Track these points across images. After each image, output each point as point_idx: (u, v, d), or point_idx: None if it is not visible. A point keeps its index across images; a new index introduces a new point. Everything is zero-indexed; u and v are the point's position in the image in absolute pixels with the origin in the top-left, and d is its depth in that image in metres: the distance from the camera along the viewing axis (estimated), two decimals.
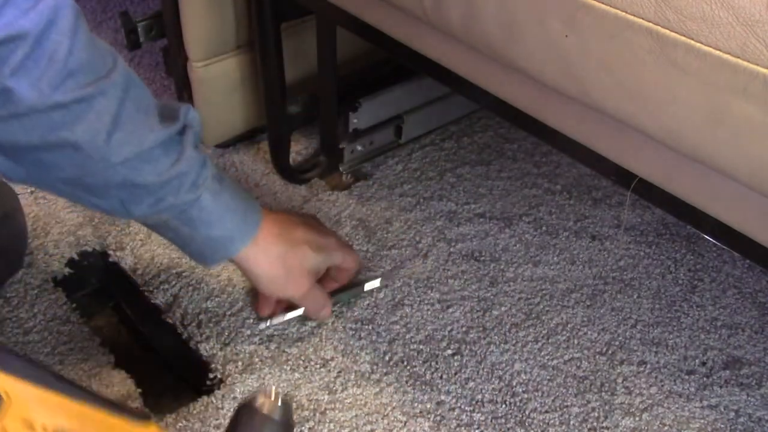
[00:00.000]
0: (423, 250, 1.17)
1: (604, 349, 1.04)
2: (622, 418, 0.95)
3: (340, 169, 1.30)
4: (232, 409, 0.93)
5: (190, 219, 0.76)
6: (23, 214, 1.09)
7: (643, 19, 0.62)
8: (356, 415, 0.94)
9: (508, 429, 0.94)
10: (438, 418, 0.94)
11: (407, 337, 1.04)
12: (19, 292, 1.06)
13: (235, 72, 1.26)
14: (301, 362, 0.99)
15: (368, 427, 0.93)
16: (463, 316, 1.07)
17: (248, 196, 0.84)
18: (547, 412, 0.96)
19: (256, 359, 0.99)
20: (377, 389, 0.97)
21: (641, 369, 1.01)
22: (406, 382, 0.98)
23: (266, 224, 0.84)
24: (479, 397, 0.97)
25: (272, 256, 0.85)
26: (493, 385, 0.98)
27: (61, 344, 1.00)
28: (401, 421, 0.94)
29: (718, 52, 0.58)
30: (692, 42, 0.59)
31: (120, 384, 0.96)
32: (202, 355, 1.00)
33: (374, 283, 1.08)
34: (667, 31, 0.61)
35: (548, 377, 1.00)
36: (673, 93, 0.63)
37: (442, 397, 0.97)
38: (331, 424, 0.93)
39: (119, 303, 1.15)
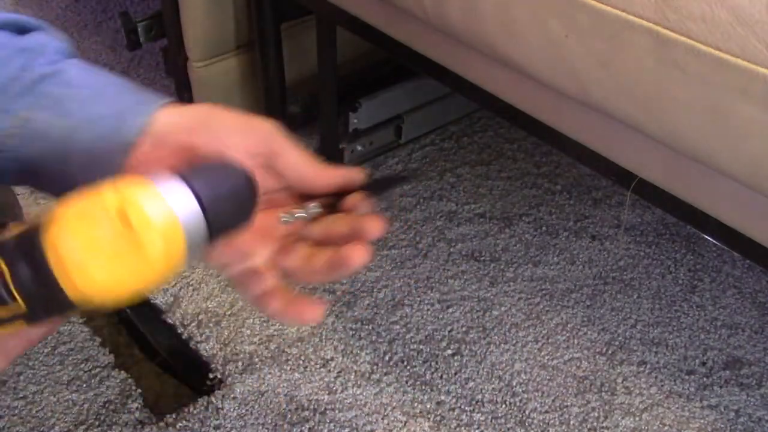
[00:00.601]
0: (423, 250, 1.17)
1: (604, 349, 1.04)
2: (622, 418, 0.95)
3: None
4: (232, 409, 0.93)
5: (57, 100, 0.49)
6: (23, 213, 1.09)
7: (643, 19, 0.62)
8: (356, 415, 0.94)
9: (508, 429, 0.94)
10: (438, 418, 0.94)
11: (407, 337, 1.04)
12: None
13: (235, 72, 1.26)
14: (301, 362, 0.99)
15: (368, 427, 0.93)
16: (463, 316, 1.07)
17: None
18: (547, 412, 0.96)
19: (256, 359, 0.99)
20: (377, 389, 0.97)
21: (641, 369, 1.01)
22: (406, 382, 0.98)
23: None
24: (479, 397, 0.97)
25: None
26: (493, 385, 0.98)
27: (62, 344, 1.00)
28: (401, 421, 0.94)
29: (718, 52, 0.58)
30: (692, 42, 0.59)
31: (120, 384, 0.96)
32: (202, 355, 1.00)
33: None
34: (667, 31, 0.61)
35: (548, 377, 1.00)
36: (673, 93, 0.63)
37: (442, 397, 0.97)
38: (331, 424, 0.93)
39: None
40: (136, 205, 0.36)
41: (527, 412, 0.95)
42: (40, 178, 0.48)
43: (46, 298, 0.37)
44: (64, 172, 0.47)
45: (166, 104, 0.49)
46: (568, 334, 1.05)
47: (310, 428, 0.92)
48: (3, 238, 0.37)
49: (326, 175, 0.50)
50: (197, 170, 0.41)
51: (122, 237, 0.36)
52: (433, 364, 1.00)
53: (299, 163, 0.49)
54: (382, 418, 0.94)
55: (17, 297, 0.37)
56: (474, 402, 0.96)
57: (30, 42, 0.50)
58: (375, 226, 0.51)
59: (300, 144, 0.48)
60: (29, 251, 0.36)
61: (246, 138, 0.47)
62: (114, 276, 0.36)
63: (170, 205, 0.37)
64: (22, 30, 0.51)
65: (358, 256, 0.49)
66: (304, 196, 0.51)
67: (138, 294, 0.37)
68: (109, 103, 0.49)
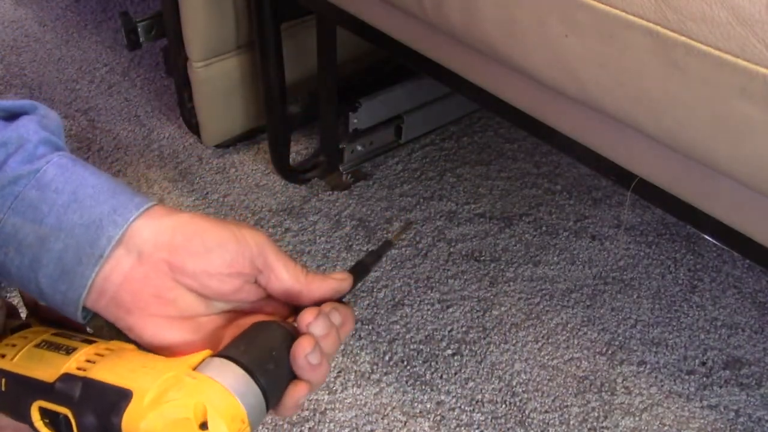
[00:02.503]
0: (423, 250, 1.17)
1: (604, 349, 1.04)
2: (622, 418, 0.95)
3: (340, 169, 1.30)
4: None
5: (29, 205, 0.45)
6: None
7: (643, 19, 0.62)
8: (356, 415, 0.94)
9: (508, 429, 0.94)
10: (438, 418, 0.94)
11: (407, 337, 1.04)
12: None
13: (235, 72, 1.26)
14: None
15: (368, 427, 0.93)
16: (463, 316, 1.07)
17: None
18: (547, 412, 0.96)
19: None
20: (377, 389, 0.97)
21: (641, 369, 1.01)
22: (406, 382, 0.98)
23: (162, 207, 0.49)
24: (479, 397, 0.97)
25: (193, 226, 0.47)
26: (493, 385, 0.98)
27: None
28: (401, 421, 0.94)
29: (718, 52, 0.58)
30: (692, 42, 0.59)
31: None
32: None
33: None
34: (667, 31, 0.61)
35: (548, 377, 1.00)
36: (673, 93, 0.63)
37: (442, 397, 0.97)
38: (331, 424, 0.93)
39: None
40: (216, 419, 0.38)
41: (527, 412, 0.95)
42: (5, 278, 0.46)
43: None
44: (30, 278, 0.45)
45: (147, 210, 0.45)
46: (568, 334, 1.05)
47: (310, 428, 0.92)
48: (66, 385, 0.39)
49: (314, 289, 0.49)
50: (251, 349, 0.42)
51: None
52: (433, 364, 1.01)
53: (286, 279, 0.48)
54: (382, 418, 0.94)
55: None
56: (474, 402, 0.96)
57: (10, 135, 0.46)
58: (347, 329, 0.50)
59: (286, 257, 0.48)
60: (100, 414, 0.39)
61: (231, 256, 0.46)
62: None
63: (243, 410, 0.39)
64: (9, 116, 0.48)
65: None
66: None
67: None
68: (84, 210, 0.45)
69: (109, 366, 0.40)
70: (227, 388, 0.39)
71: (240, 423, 0.39)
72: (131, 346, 0.44)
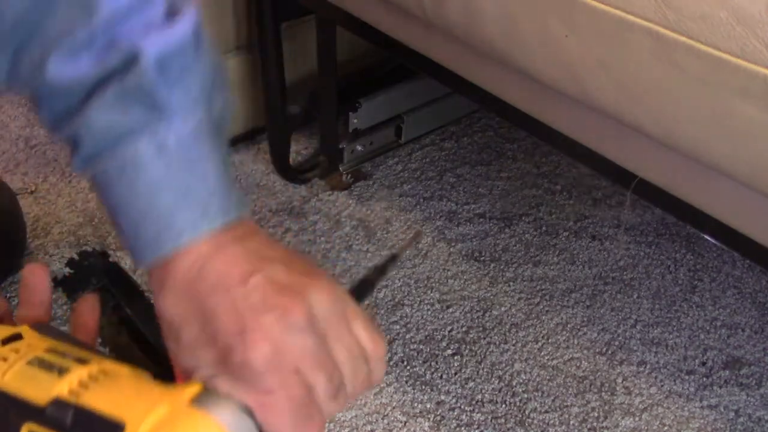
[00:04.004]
0: (423, 250, 1.17)
1: (604, 349, 1.04)
2: (622, 418, 0.95)
3: (340, 169, 1.30)
4: None
5: (126, 166, 0.42)
6: (21, 212, 1.09)
7: (643, 19, 0.62)
8: (356, 415, 0.94)
9: (508, 429, 0.94)
10: (438, 418, 0.94)
11: (407, 337, 1.04)
12: (19, 292, 1.06)
13: (235, 72, 1.26)
14: None
15: (368, 427, 0.93)
16: (463, 316, 1.07)
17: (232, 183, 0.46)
18: (547, 412, 0.96)
19: None
20: (377, 389, 0.97)
21: (641, 369, 1.01)
22: (406, 382, 0.98)
23: (247, 224, 0.45)
24: (479, 397, 0.97)
25: (234, 276, 0.42)
26: (493, 385, 0.98)
27: None
28: (401, 421, 0.94)
29: (718, 52, 0.58)
30: (692, 42, 0.59)
31: None
32: None
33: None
34: (667, 31, 0.61)
35: (548, 377, 1.00)
36: (673, 93, 0.63)
37: (442, 397, 0.97)
38: (331, 424, 0.93)
39: (119, 303, 1.14)
40: None
41: (527, 412, 0.95)
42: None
43: None
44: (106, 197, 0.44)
45: (214, 230, 0.42)
46: (568, 334, 1.05)
47: None
48: (57, 410, 0.39)
49: None
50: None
51: None
52: (433, 364, 1.00)
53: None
54: (382, 418, 0.94)
55: None
56: (474, 402, 0.96)
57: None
58: None
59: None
60: None
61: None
62: None
63: None
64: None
65: None
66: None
67: None
68: (178, 194, 0.42)
69: (103, 392, 0.39)
70: (223, 425, 0.38)
71: None
72: (126, 370, 0.42)
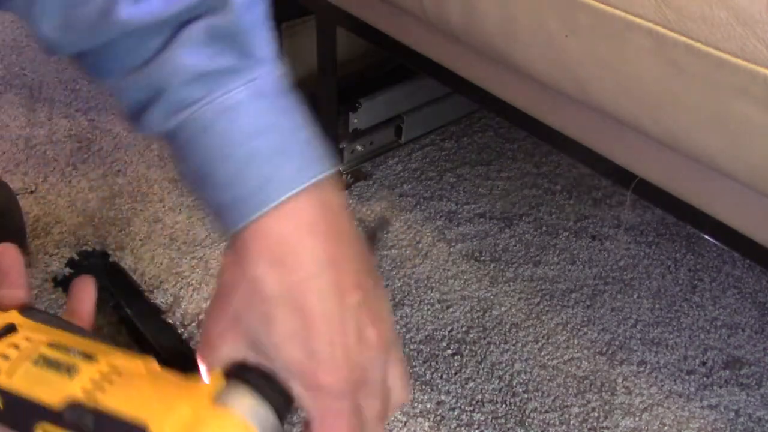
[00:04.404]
0: (423, 250, 1.17)
1: (604, 349, 1.04)
2: (622, 418, 0.95)
3: (340, 169, 1.30)
4: None
5: (224, 109, 0.40)
6: (21, 212, 1.09)
7: (643, 19, 0.62)
8: None
9: (508, 429, 0.94)
10: (438, 418, 0.94)
11: (407, 337, 1.04)
12: None
13: None
14: None
15: None
16: (463, 316, 1.07)
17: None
18: (547, 412, 0.96)
19: None
20: None
21: (641, 369, 1.01)
22: None
23: (333, 194, 0.42)
24: (479, 397, 0.97)
25: (341, 277, 0.40)
26: (493, 385, 0.98)
27: None
28: (401, 421, 0.94)
29: (718, 52, 0.58)
30: (692, 42, 0.59)
31: None
32: None
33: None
34: (667, 31, 0.61)
35: (548, 377, 1.00)
36: (673, 93, 0.63)
37: (442, 397, 0.97)
38: None
39: (119, 303, 1.15)
40: None
41: (527, 412, 0.95)
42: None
43: None
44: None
45: (294, 196, 0.39)
46: (568, 334, 1.05)
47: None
48: (76, 414, 0.38)
49: None
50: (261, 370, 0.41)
51: None
52: (433, 364, 1.00)
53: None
54: None
55: None
56: (474, 402, 0.96)
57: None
58: None
59: None
60: None
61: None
62: None
63: None
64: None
65: None
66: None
67: None
68: (275, 141, 0.40)
69: (119, 393, 0.39)
70: (248, 421, 0.38)
71: None
72: (137, 362, 0.42)
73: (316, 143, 0.42)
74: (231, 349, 0.41)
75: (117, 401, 0.38)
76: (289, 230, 0.39)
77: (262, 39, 0.42)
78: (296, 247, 0.39)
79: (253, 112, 0.40)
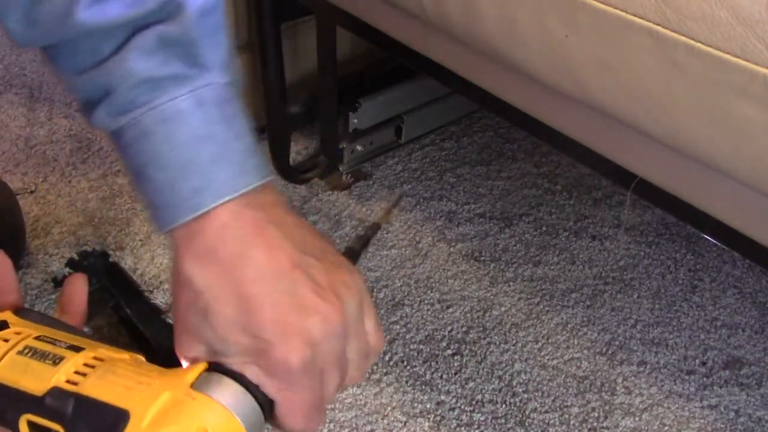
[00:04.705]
0: (423, 250, 1.17)
1: (604, 349, 1.04)
2: (622, 418, 0.95)
3: (340, 169, 1.30)
4: None
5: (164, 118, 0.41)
6: (21, 212, 1.09)
7: (643, 19, 0.62)
8: (356, 415, 0.94)
9: (508, 429, 0.94)
10: (438, 418, 0.94)
11: (407, 337, 1.04)
12: None
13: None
14: None
15: (368, 427, 0.93)
16: (463, 316, 1.07)
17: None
18: (547, 412, 0.96)
19: None
20: (377, 389, 0.97)
21: (641, 369, 1.01)
22: (406, 382, 0.98)
23: (271, 195, 0.44)
24: (479, 397, 0.97)
25: (276, 261, 0.41)
26: (493, 385, 0.98)
27: None
28: (401, 421, 0.94)
29: (718, 52, 0.58)
30: (692, 42, 0.59)
31: None
32: None
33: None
34: (667, 31, 0.61)
35: (548, 377, 1.00)
36: (673, 93, 0.63)
37: (442, 397, 0.96)
38: (331, 424, 0.93)
39: (119, 303, 1.15)
40: None
41: (527, 412, 0.95)
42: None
43: None
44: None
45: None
46: (568, 334, 1.05)
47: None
48: (56, 400, 0.38)
49: None
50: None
51: None
52: (433, 364, 1.00)
53: None
54: (382, 418, 0.94)
55: None
56: (474, 402, 0.96)
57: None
58: None
59: None
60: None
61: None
62: None
63: (244, 430, 0.39)
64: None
65: None
66: None
67: None
68: (208, 149, 0.41)
69: (102, 381, 0.39)
70: (227, 408, 0.38)
71: None
72: (123, 355, 0.42)
73: (253, 152, 0.43)
74: (195, 357, 0.42)
75: (98, 387, 0.38)
76: (217, 230, 0.41)
77: (213, 48, 0.43)
78: (223, 239, 0.41)
79: (194, 121, 0.41)
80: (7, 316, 0.45)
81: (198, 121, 0.41)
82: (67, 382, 0.39)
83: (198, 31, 0.42)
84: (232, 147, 0.42)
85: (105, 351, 0.41)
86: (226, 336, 0.40)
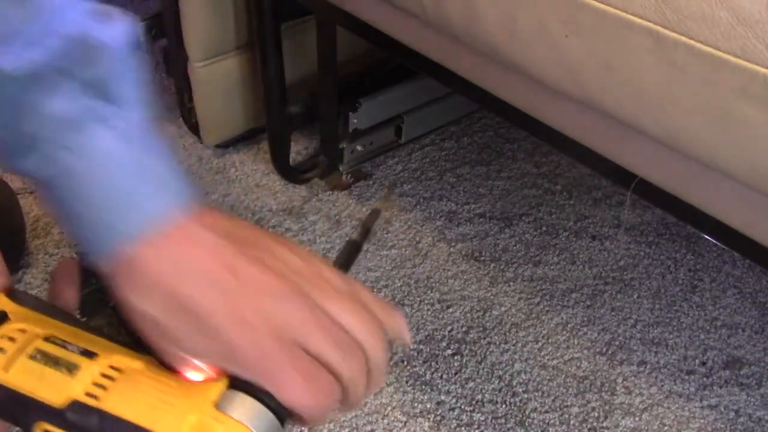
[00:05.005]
0: (423, 250, 1.17)
1: (604, 349, 1.04)
2: (622, 418, 0.95)
3: (340, 169, 1.30)
4: None
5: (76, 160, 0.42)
6: (21, 212, 1.09)
7: (643, 19, 0.62)
8: (356, 415, 0.94)
9: (508, 429, 0.94)
10: (438, 418, 0.94)
11: None
12: None
13: (235, 72, 1.26)
14: None
15: (368, 427, 0.93)
16: (463, 316, 1.07)
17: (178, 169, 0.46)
18: (547, 412, 0.96)
19: None
20: (377, 389, 0.97)
21: (641, 369, 1.01)
22: (406, 382, 0.98)
23: (203, 210, 0.45)
24: (479, 397, 0.97)
25: (209, 261, 0.42)
26: (493, 385, 0.98)
27: None
28: (401, 421, 0.94)
29: (718, 52, 0.58)
30: (692, 42, 0.59)
31: None
32: None
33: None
34: (667, 31, 0.61)
35: (548, 377, 1.00)
36: (673, 93, 0.63)
37: (442, 397, 0.96)
38: (331, 424, 0.93)
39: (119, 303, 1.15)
40: None
41: (527, 412, 0.95)
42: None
43: None
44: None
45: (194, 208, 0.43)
46: (568, 334, 1.05)
47: (310, 428, 0.92)
48: (79, 415, 0.38)
49: None
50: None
51: None
52: (433, 364, 1.00)
53: None
54: (382, 418, 0.94)
55: None
56: (474, 402, 0.96)
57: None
58: None
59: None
60: None
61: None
62: None
63: None
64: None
65: None
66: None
67: None
68: (125, 185, 0.42)
69: (125, 397, 0.39)
70: (251, 429, 0.38)
71: None
72: (136, 363, 0.42)
73: (175, 178, 0.44)
74: (190, 368, 0.42)
75: (120, 402, 0.38)
76: (149, 254, 0.41)
77: (130, 84, 0.44)
78: (158, 260, 0.41)
79: (114, 158, 0.42)
80: (3, 302, 0.44)
81: (119, 158, 0.42)
82: (87, 395, 0.39)
83: (114, 70, 0.43)
84: (154, 170, 0.43)
85: (118, 356, 0.41)
86: (197, 350, 0.41)
